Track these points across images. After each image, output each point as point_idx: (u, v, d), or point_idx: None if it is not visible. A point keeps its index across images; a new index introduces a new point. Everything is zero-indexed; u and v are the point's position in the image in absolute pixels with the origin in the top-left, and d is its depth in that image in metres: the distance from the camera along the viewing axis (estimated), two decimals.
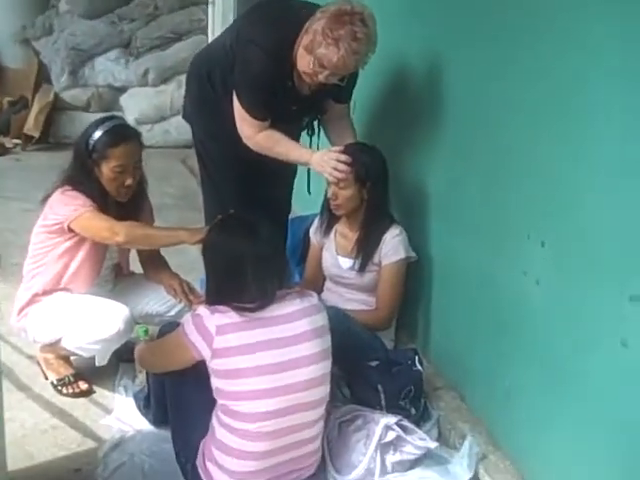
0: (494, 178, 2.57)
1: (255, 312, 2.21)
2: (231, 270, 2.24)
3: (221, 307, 2.20)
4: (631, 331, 1.87)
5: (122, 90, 7.06)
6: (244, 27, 3.09)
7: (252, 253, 2.22)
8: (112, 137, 2.75)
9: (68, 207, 2.71)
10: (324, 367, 2.28)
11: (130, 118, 6.81)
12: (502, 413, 2.56)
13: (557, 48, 2.15)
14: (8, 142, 6.66)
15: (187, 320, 2.25)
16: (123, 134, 2.80)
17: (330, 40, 2.70)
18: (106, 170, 2.74)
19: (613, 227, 1.95)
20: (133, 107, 6.88)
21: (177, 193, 5.52)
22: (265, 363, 2.17)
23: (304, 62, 2.82)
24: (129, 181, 2.78)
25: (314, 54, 2.75)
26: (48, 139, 6.60)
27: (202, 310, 2.22)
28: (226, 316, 2.18)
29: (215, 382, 2.22)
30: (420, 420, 2.70)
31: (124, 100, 7.00)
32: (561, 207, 2.17)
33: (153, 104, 6.86)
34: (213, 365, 2.19)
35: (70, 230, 2.72)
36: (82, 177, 2.77)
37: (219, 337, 2.16)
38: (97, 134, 2.74)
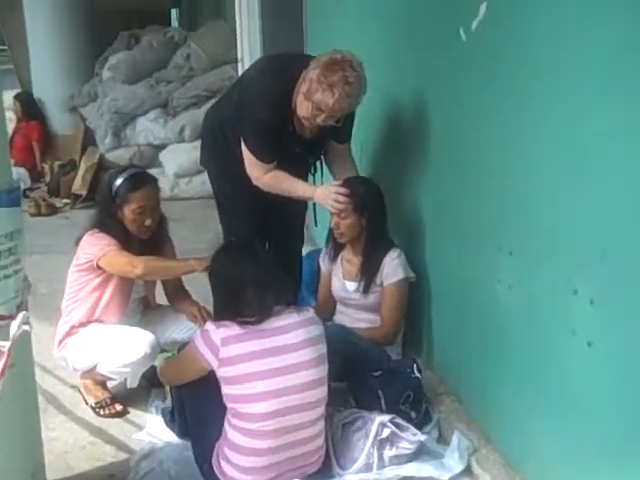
0: (471, 202, 2.84)
1: (256, 325, 2.51)
2: (233, 290, 2.56)
3: (226, 322, 2.52)
4: (577, 322, 2.12)
5: (161, 147, 7.53)
6: (248, 80, 3.44)
7: (250, 274, 2.54)
8: (132, 183, 3.11)
9: (96, 247, 3.06)
10: (320, 371, 2.56)
11: (170, 173, 7.29)
12: (491, 411, 2.80)
13: (521, 79, 2.45)
14: (58, 202, 7.17)
15: (197, 335, 2.58)
16: (142, 180, 3.17)
17: (325, 86, 3.00)
18: (128, 212, 3.10)
19: (562, 236, 2.20)
20: (172, 162, 7.33)
21: (212, 239, 5.86)
22: (264, 369, 2.47)
23: (303, 108, 3.13)
24: (148, 221, 3.12)
25: (312, 100, 3.06)
26: (95, 197, 7.03)
27: (209, 325, 2.54)
28: (230, 329, 2.49)
29: (224, 388, 2.52)
30: (422, 423, 2.94)
31: (163, 156, 7.46)
32: (523, 220, 2.44)
33: (190, 159, 7.25)
34: (220, 373, 2.50)
35: (99, 267, 3.07)
36: (107, 220, 3.13)
37: (224, 348, 2.47)
38: (119, 181, 3.11)
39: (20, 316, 2.06)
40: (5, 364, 1.89)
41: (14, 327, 2.01)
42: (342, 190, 3.21)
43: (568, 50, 2.09)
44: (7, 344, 1.94)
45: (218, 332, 2.49)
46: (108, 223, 3.12)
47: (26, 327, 2.05)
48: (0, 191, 2.09)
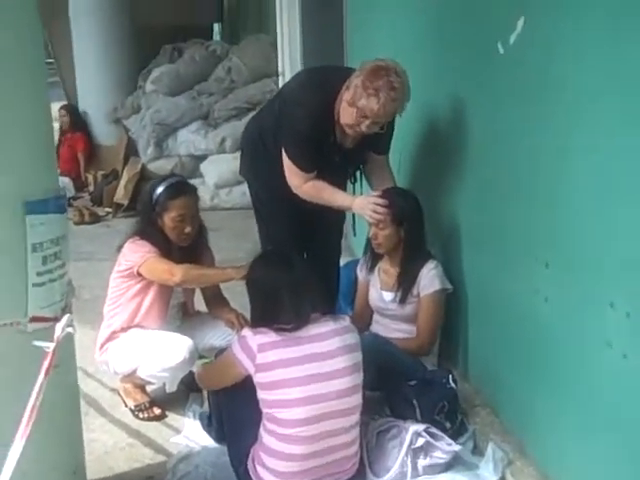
0: (509, 213, 2.86)
1: (292, 332, 2.56)
2: (270, 297, 2.61)
3: (262, 329, 2.56)
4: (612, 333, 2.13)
5: (202, 158, 7.63)
6: (289, 92, 3.50)
7: (287, 282, 2.59)
8: (172, 191, 3.18)
9: (136, 254, 3.14)
10: (355, 379, 2.59)
11: (210, 183, 7.38)
12: (526, 424, 2.80)
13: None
14: (101, 211, 7.32)
15: (235, 341, 2.63)
16: (182, 188, 3.24)
17: (371, 91, 3.04)
18: (168, 220, 3.16)
19: (599, 249, 2.21)
20: (213, 173, 7.42)
21: (251, 248, 5.92)
22: (300, 375, 2.51)
23: (347, 114, 3.16)
24: (188, 229, 3.19)
25: (356, 105, 3.09)
26: (136, 206, 7.15)
27: (246, 332, 2.59)
28: (267, 336, 2.54)
29: (260, 394, 2.56)
30: (457, 434, 2.94)
31: (204, 167, 7.55)
32: (559, 231, 2.45)
33: (230, 169, 7.30)
34: (257, 379, 2.54)
35: (139, 274, 3.14)
36: (148, 228, 3.20)
37: (260, 354, 2.51)
38: (159, 189, 3.18)
39: (65, 319, 2.13)
40: (50, 364, 1.96)
41: (59, 329, 2.08)
42: (381, 201, 3.24)
43: (608, 66, 2.12)
44: (52, 345, 2.00)
45: (255, 338, 2.54)
46: (149, 231, 3.19)
47: (70, 329, 2.12)
48: (48, 198, 2.16)
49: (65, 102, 9.40)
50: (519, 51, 2.66)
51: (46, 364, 1.94)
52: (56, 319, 2.14)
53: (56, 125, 8.36)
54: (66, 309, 2.25)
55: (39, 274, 2.12)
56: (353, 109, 3.11)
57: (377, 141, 3.34)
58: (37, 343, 2.00)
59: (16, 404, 1.80)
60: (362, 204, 3.28)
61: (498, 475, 2.68)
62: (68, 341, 2.23)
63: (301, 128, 3.27)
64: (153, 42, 8.99)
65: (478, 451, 2.92)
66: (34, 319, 2.12)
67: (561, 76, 2.38)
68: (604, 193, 2.16)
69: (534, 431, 2.74)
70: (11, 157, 2.05)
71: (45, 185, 2.18)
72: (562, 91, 2.37)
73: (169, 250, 3.19)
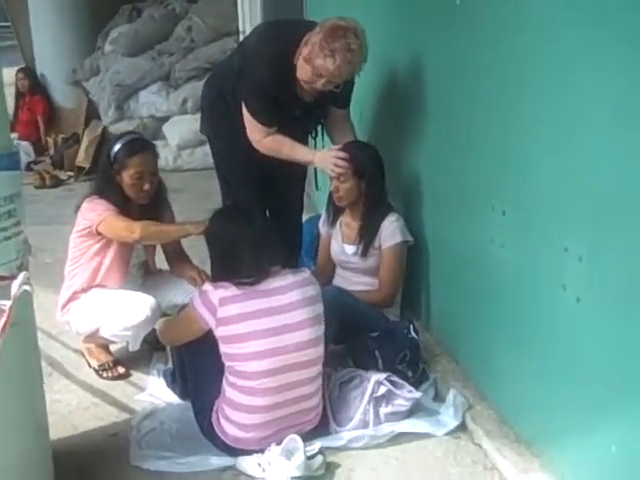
0: (466, 163, 2.89)
1: (252, 285, 2.56)
2: (229, 251, 2.61)
3: (223, 283, 2.57)
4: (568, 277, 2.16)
5: (164, 119, 7.53)
6: (249, 46, 3.47)
7: (246, 236, 2.58)
8: (130, 148, 3.14)
9: (94, 212, 3.10)
10: (316, 331, 2.61)
11: (172, 144, 7.31)
12: (486, 370, 2.86)
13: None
14: (62, 174, 7.22)
15: (195, 296, 2.63)
16: (140, 145, 3.21)
17: (327, 52, 3.03)
18: (126, 177, 3.13)
19: (555, 196, 2.23)
20: (175, 134, 7.35)
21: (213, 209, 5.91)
22: (261, 328, 2.52)
23: (303, 71, 3.16)
24: (147, 186, 3.16)
25: (312, 64, 3.08)
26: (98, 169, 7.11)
27: (207, 286, 2.59)
28: (227, 290, 2.54)
29: (222, 347, 2.57)
30: (418, 382, 2.98)
31: (166, 128, 7.47)
32: (517, 179, 2.47)
33: (193, 130, 7.22)
34: (218, 332, 2.55)
35: (98, 233, 3.11)
36: (106, 186, 3.17)
37: (222, 308, 2.52)
38: (117, 147, 3.15)
39: (21, 276, 2.10)
40: (6, 322, 1.94)
41: (15, 287, 2.05)
42: (342, 154, 3.24)
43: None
44: (8, 303, 1.98)
45: (216, 293, 2.54)
46: (107, 189, 3.16)
47: (27, 287, 2.10)
48: (0, 155, 2.12)
49: (23, 65, 9.21)
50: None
51: (2, 322, 1.93)
52: (12, 277, 2.11)
53: (11, 89, 8.23)
54: (22, 267, 2.22)
55: None
56: (309, 67, 3.11)
57: (337, 96, 3.32)
58: None
59: None
60: (323, 157, 3.28)
61: (459, 420, 2.74)
62: (26, 300, 2.21)
63: (260, 80, 3.26)
64: (111, 2, 8.81)
65: (439, 398, 2.97)
66: None
67: (517, 19, 2.38)
68: (558, 139, 2.17)
69: (493, 377, 2.79)
70: None
71: None
72: (518, 34, 2.38)
73: (128, 208, 3.16)
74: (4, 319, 1.95)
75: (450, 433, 2.72)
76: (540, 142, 2.29)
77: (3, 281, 2.12)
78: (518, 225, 2.48)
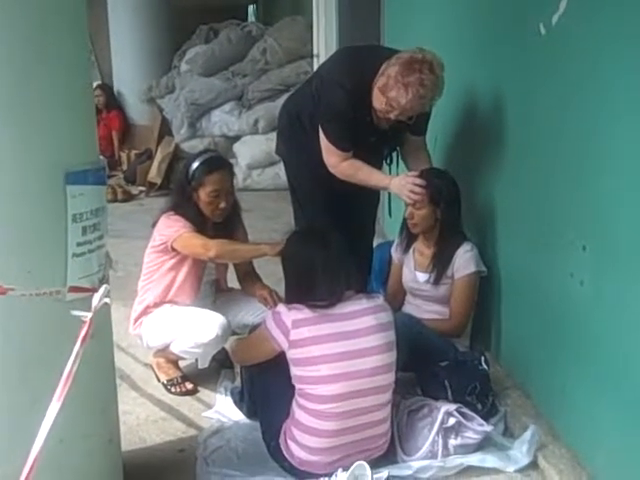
0: (544, 196, 2.84)
1: (326, 309, 2.56)
2: (304, 274, 2.61)
3: (297, 305, 2.57)
4: None
5: (235, 139, 7.65)
6: (327, 72, 3.49)
7: (322, 258, 2.58)
8: (208, 166, 3.19)
9: (171, 229, 3.15)
10: (388, 357, 2.59)
11: (243, 164, 7.41)
12: (559, 406, 2.79)
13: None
14: (134, 190, 7.38)
15: (268, 316, 2.63)
16: (217, 163, 3.25)
17: (401, 85, 3.05)
18: (203, 195, 3.18)
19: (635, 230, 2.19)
20: (245, 154, 7.45)
21: (283, 229, 5.93)
22: (333, 352, 2.51)
23: (378, 101, 3.17)
24: (223, 204, 3.20)
25: (386, 95, 3.10)
26: (169, 185, 7.21)
27: (281, 307, 2.59)
28: (301, 312, 2.54)
29: (293, 370, 2.57)
30: (488, 415, 2.93)
31: (237, 148, 7.58)
32: (598, 216, 2.43)
33: (263, 150, 7.37)
34: (290, 355, 2.55)
35: (173, 249, 3.16)
36: (183, 203, 3.22)
37: (294, 330, 2.52)
38: (195, 164, 3.20)
39: (102, 289, 2.14)
40: (87, 333, 1.97)
41: (96, 299, 2.09)
42: (418, 181, 3.23)
43: None
44: (89, 315, 2.02)
45: (289, 314, 2.54)
46: (184, 206, 3.21)
47: (107, 300, 2.14)
48: (88, 170, 2.17)
49: (99, 82, 9.45)
50: (561, 32, 2.63)
51: (83, 333, 1.96)
52: (94, 290, 2.15)
53: None
54: (103, 280, 2.27)
55: (79, 244, 2.14)
56: (383, 98, 3.13)
57: (413, 124, 3.32)
58: (75, 312, 2.01)
59: (53, 372, 1.82)
60: (400, 184, 3.27)
61: (531, 457, 2.67)
62: (104, 312, 2.25)
63: (338, 109, 3.28)
64: (188, 22, 9.02)
65: (509, 433, 2.91)
66: (73, 289, 2.14)
67: (604, 54, 2.33)
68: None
69: (567, 414, 2.72)
70: (53, 128, 2.06)
71: (85, 157, 2.19)
72: (604, 68, 2.33)
73: (203, 225, 3.20)
74: (84, 331, 1.98)
75: (521, 470, 2.65)
76: (621, 177, 2.24)
77: (85, 293, 2.17)
78: (600, 261, 2.42)
